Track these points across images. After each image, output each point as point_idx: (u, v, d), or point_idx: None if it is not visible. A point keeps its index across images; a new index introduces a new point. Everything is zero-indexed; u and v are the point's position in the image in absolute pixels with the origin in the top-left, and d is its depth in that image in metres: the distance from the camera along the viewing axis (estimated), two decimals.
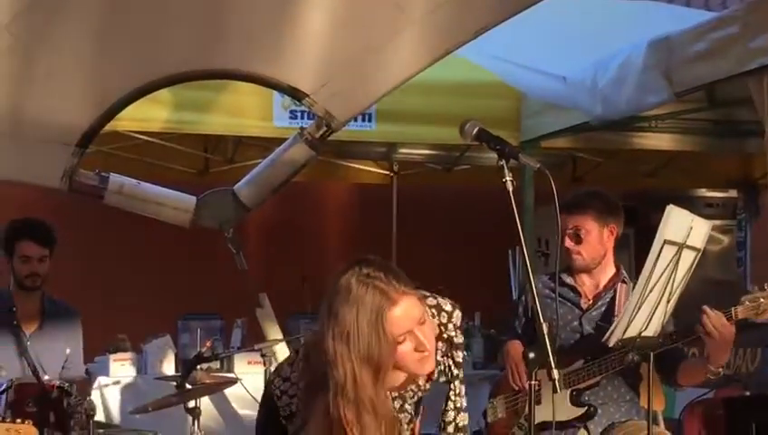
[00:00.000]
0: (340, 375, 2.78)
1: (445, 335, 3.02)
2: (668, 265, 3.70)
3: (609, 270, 4.46)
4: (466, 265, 8.26)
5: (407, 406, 3.07)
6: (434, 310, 3.00)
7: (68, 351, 5.00)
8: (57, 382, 4.50)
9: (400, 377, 2.96)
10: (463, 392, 3.09)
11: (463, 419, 3.09)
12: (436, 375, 3.05)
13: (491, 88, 6.49)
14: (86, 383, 5.18)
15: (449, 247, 8.62)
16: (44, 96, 3.92)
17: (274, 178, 4.52)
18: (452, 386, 3.06)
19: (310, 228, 8.88)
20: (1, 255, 5.40)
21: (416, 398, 3.09)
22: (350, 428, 2.80)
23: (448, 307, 3.03)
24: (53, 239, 5.30)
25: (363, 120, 6.27)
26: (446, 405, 3.08)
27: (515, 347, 4.42)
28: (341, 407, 2.79)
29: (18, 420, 3.67)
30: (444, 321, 3.01)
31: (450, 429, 3.08)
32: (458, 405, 3.09)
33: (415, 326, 2.83)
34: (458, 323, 3.03)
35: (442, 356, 3.03)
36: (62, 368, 5.16)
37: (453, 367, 3.05)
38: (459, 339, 3.03)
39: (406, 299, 2.82)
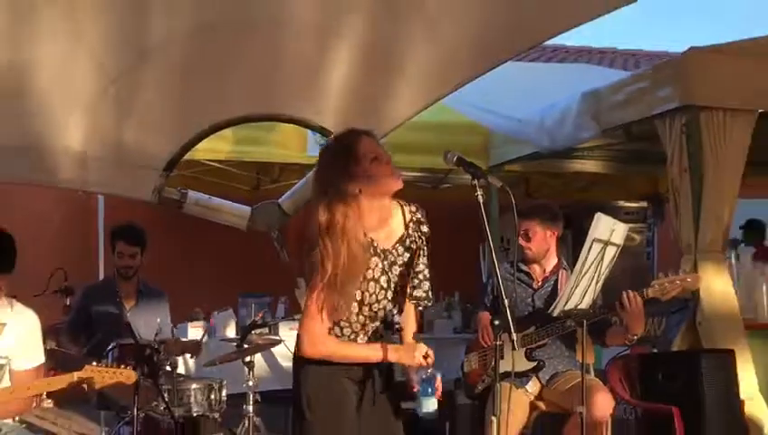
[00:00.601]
0: (324, 192, 2.84)
1: (414, 218, 3.07)
2: (597, 256, 3.70)
3: (553, 260, 4.46)
4: (449, 257, 8.21)
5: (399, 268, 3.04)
6: (402, 202, 3.07)
7: (158, 320, 5.00)
8: (150, 343, 4.49)
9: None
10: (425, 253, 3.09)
11: (428, 273, 3.11)
12: (408, 243, 3.05)
13: (466, 127, 6.49)
14: (174, 343, 5.11)
15: (436, 244, 8.53)
16: (139, 133, 3.94)
17: (308, 193, 4.52)
18: (423, 249, 3.09)
19: None
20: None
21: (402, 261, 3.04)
22: (326, 227, 2.82)
23: (415, 206, 3.10)
24: (143, 240, 5.25)
25: None
26: (418, 260, 3.09)
27: (485, 316, 4.42)
28: (322, 208, 2.83)
29: (122, 366, 3.67)
30: (413, 210, 3.08)
31: (421, 276, 3.10)
32: (426, 263, 3.10)
33: (383, 154, 2.88)
34: (422, 217, 3.08)
35: (413, 231, 3.06)
36: (156, 334, 5.15)
37: (421, 235, 3.08)
38: (422, 219, 3.09)
39: (372, 137, 2.90)
